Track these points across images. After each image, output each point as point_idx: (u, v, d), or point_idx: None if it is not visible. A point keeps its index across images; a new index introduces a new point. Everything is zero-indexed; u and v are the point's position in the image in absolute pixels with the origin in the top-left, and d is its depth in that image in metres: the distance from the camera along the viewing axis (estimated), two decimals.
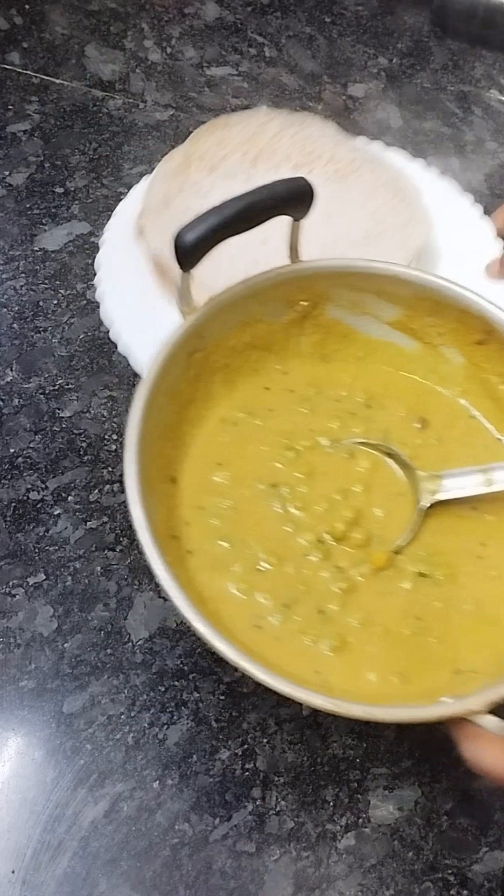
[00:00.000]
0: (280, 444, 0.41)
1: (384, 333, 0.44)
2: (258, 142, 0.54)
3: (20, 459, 0.48)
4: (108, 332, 0.49)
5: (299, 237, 0.40)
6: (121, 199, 0.61)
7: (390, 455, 0.41)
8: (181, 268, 0.36)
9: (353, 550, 0.38)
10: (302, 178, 0.37)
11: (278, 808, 0.38)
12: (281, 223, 0.38)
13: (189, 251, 0.35)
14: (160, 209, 0.50)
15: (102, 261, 0.50)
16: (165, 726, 0.40)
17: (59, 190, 0.61)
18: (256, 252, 0.48)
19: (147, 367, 0.37)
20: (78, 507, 0.46)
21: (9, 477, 0.47)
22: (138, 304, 0.49)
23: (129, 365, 0.49)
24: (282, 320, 0.43)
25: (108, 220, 0.59)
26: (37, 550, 0.45)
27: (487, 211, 0.57)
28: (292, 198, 0.37)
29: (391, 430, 0.42)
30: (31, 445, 0.48)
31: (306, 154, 0.55)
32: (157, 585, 0.44)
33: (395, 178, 0.55)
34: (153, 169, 0.63)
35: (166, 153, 0.56)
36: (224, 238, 0.36)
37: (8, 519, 0.46)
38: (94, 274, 0.52)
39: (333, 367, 0.44)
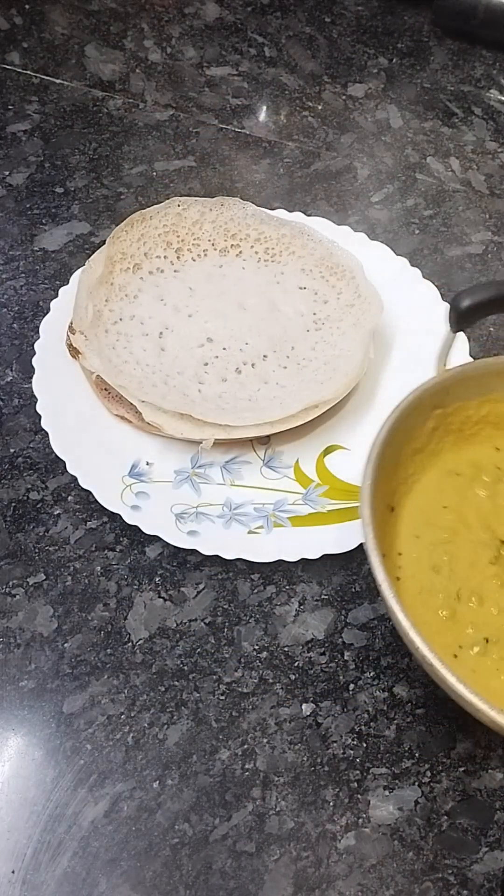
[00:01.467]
0: None
1: None
2: (179, 231, 0.53)
3: (20, 459, 0.48)
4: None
5: None
6: (120, 200, 0.61)
7: None
8: (451, 328, 0.39)
9: None
10: None
11: (278, 808, 0.38)
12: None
13: (462, 314, 0.38)
14: (93, 325, 0.48)
15: (40, 390, 0.47)
16: (165, 726, 0.40)
17: (59, 190, 0.61)
18: (166, 318, 0.50)
19: (396, 405, 0.39)
20: (78, 507, 0.46)
21: (9, 477, 0.47)
22: (88, 432, 0.47)
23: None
24: None
25: (107, 221, 0.60)
26: (37, 550, 0.45)
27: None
28: None
29: None
30: (31, 445, 0.48)
31: (231, 237, 0.54)
32: (158, 587, 0.44)
33: (329, 251, 0.54)
34: (153, 169, 0.64)
35: (125, 218, 0.53)
36: (495, 311, 0.38)
37: (8, 519, 0.46)
38: None
39: None
